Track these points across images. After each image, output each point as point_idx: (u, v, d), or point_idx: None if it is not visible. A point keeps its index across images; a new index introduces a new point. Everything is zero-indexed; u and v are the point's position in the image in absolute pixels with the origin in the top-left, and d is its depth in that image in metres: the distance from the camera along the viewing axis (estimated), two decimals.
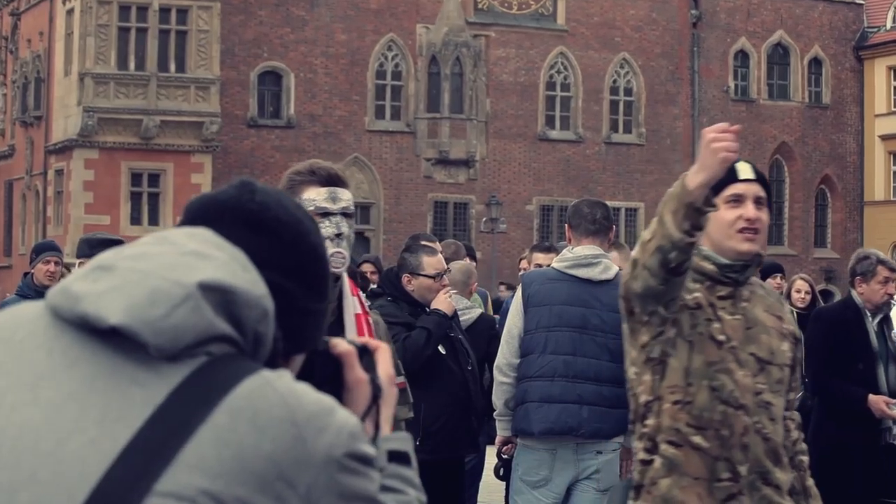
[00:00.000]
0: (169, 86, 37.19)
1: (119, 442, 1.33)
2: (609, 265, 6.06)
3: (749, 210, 3.56)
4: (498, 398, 6.19)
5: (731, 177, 3.50)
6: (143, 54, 37.19)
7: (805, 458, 3.76)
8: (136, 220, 36.37)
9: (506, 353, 6.15)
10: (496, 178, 40.73)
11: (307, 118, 39.42)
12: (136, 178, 36.96)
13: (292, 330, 1.52)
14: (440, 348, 6.38)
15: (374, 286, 7.68)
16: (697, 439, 3.47)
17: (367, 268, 9.82)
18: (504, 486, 6.86)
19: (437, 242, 8.44)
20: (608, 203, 7.09)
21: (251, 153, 38.32)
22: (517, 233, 39.34)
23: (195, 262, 1.41)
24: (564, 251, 6.25)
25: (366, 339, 1.70)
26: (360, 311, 3.73)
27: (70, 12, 37.66)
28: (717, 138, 3.17)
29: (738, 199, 3.57)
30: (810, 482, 3.75)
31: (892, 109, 44.91)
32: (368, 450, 1.45)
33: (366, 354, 1.65)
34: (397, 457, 1.65)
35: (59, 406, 1.36)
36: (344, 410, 1.43)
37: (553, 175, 41.51)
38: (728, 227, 3.55)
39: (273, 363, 1.45)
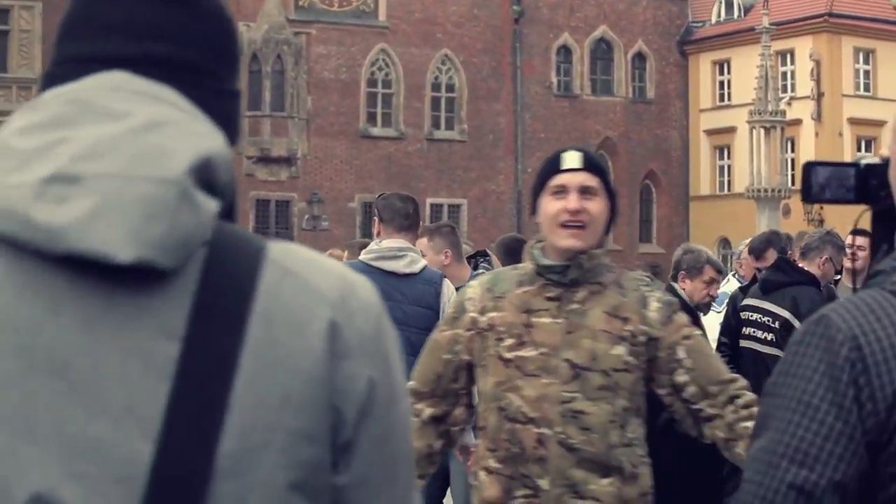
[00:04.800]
0: None
1: (159, 399, 1.10)
2: (416, 259, 5.97)
3: (571, 201, 3.26)
4: None
5: (554, 166, 3.30)
6: None
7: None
8: None
9: None
10: (318, 175, 40.65)
11: None
12: None
13: (227, 120, 1.26)
14: None
15: None
16: (492, 462, 3.34)
17: None
18: None
19: None
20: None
21: None
22: (340, 230, 39.21)
23: (160, 140, 1.15)
24: (372, 244, 6.16)
25: None
26: None
27: None
28: None
29: (561, 191, 3.29)
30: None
31: (717, 104, 45.26)
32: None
33: None
34: None
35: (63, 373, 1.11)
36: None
37: (375, 172, 41.41)
38: (551, 221, 3.29)
39: (232, 209, 1.23)
